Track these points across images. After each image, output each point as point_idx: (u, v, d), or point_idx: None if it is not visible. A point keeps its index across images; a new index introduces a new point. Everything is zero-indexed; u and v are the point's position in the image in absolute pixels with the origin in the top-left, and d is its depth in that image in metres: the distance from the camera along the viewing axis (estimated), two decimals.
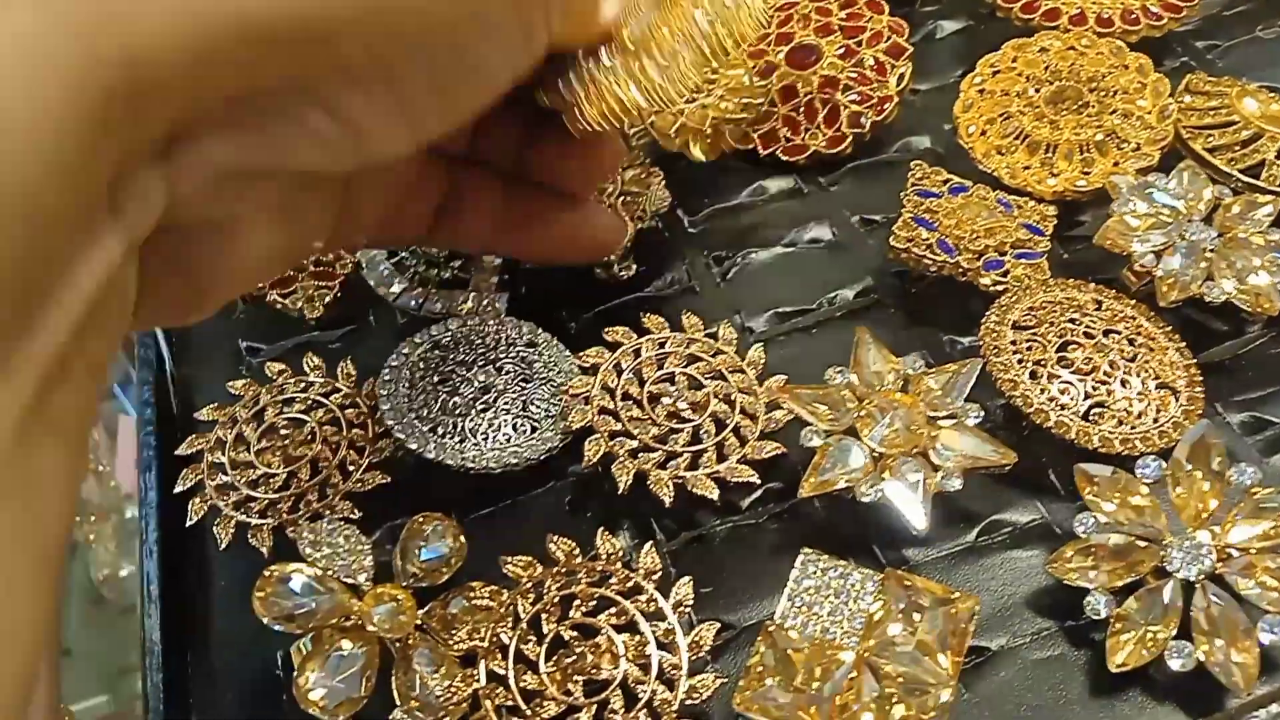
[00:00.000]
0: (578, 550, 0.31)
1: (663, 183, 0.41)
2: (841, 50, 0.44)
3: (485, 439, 0.35)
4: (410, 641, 0.30)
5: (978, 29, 0.49)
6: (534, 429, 0.35)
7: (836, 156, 0.44)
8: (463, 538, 0.32)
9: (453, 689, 0.29)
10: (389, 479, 0.34)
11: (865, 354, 0.34)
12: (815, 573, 0.29)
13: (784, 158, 0.44)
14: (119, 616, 0.56)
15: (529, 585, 0.30)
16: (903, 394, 0.32)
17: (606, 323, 0.39)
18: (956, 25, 0.50)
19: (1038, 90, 0.41)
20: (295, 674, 0.29)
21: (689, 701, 0.28)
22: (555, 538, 0.31)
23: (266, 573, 0.30)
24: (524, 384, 0.36)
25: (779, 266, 0.41)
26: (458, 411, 0.35)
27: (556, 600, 0.30)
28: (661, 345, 0.36)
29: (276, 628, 0.29)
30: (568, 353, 0.37)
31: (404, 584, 0.31)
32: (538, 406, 0.36)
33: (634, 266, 0.41)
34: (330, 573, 0.30)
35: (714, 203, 0.44)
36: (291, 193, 0.25)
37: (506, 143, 0.33)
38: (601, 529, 0.31)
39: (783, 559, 0.32)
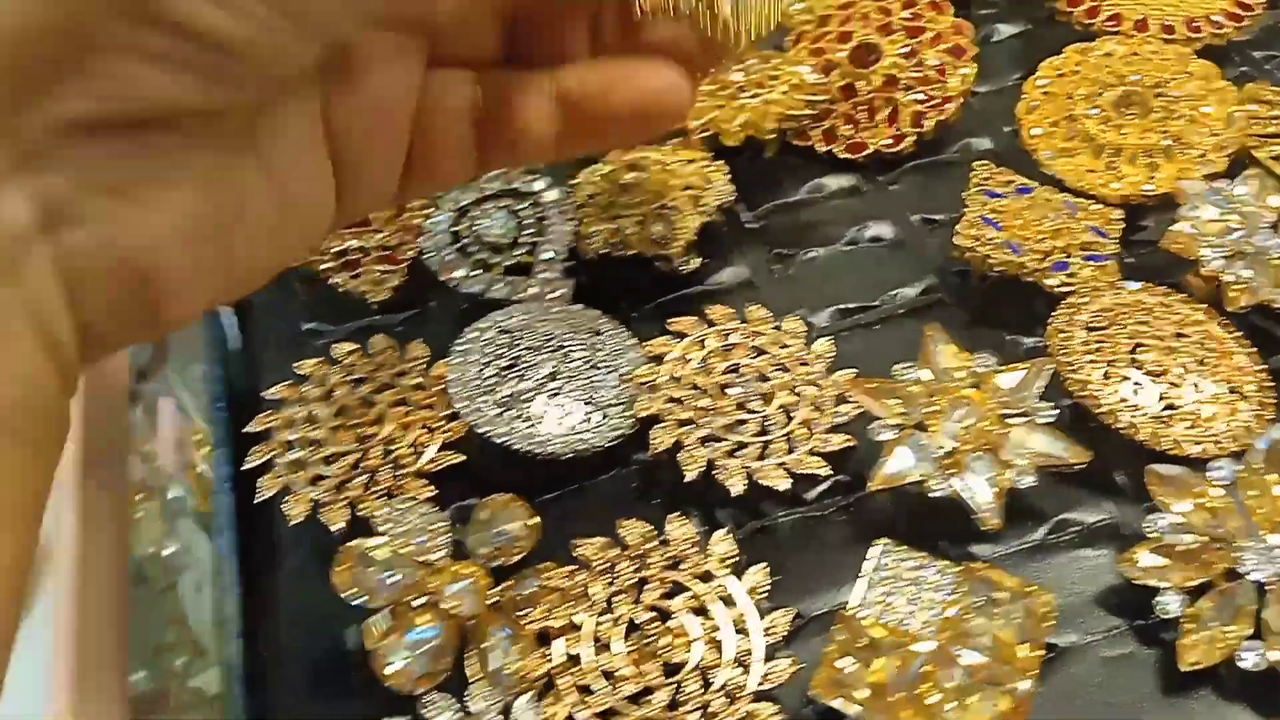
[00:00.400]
0: (651, 534, 0.31)
1: (727, 176, 0.42)
2: (905, 50, 0.44)
3: (553, 424, 0.35)
4: (484, 619, 0.30)
5: (1035, 33, 0.49)
6: (602, 416, 0.35)
7: (896, 155, 0.44)
8: (535, 519, 0.33)
9: (529, 666, 0.29)
10: (462, 458, 0.35)
11: (935, 350, 0.34)
12: (892, 563, 0.29)
13: (843, 155, 0.44)
14: (159, 594, 0.56)
15: (603, 568, 0.31)
16: (973, 390, 0.33)
17: (667, 314, 0.40)
18: (1013, 29, 0.50)
19: (1102, 94, 0.41)
20: (373, 649, 0.29)
21: (763, 686, 0.29)
22: (627, 522, 0.31)
23: (346, 547, 0.30)
24: (591, 370, 0.37)
25: (840, 263, 0.41)
26: (525, 396, 0.36)
27: (632, 583, 0.30)
28: (727, 336, 0.36)
29: (354, 604, 0.30)
30: (632, 341, 0.37)
31: (477, 563, 0.31)
32: (604, 393, 0.36)
33: (695, 259, 0.41)
34: (405, 550, 0.31)
35: (773, 199, 0.44)
36: (207, 151, 0.22)
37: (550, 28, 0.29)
38: (674, 514, 0.32)
39: (849, 551, 0.33)
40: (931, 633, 0.28)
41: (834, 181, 0.44)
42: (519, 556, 0.32)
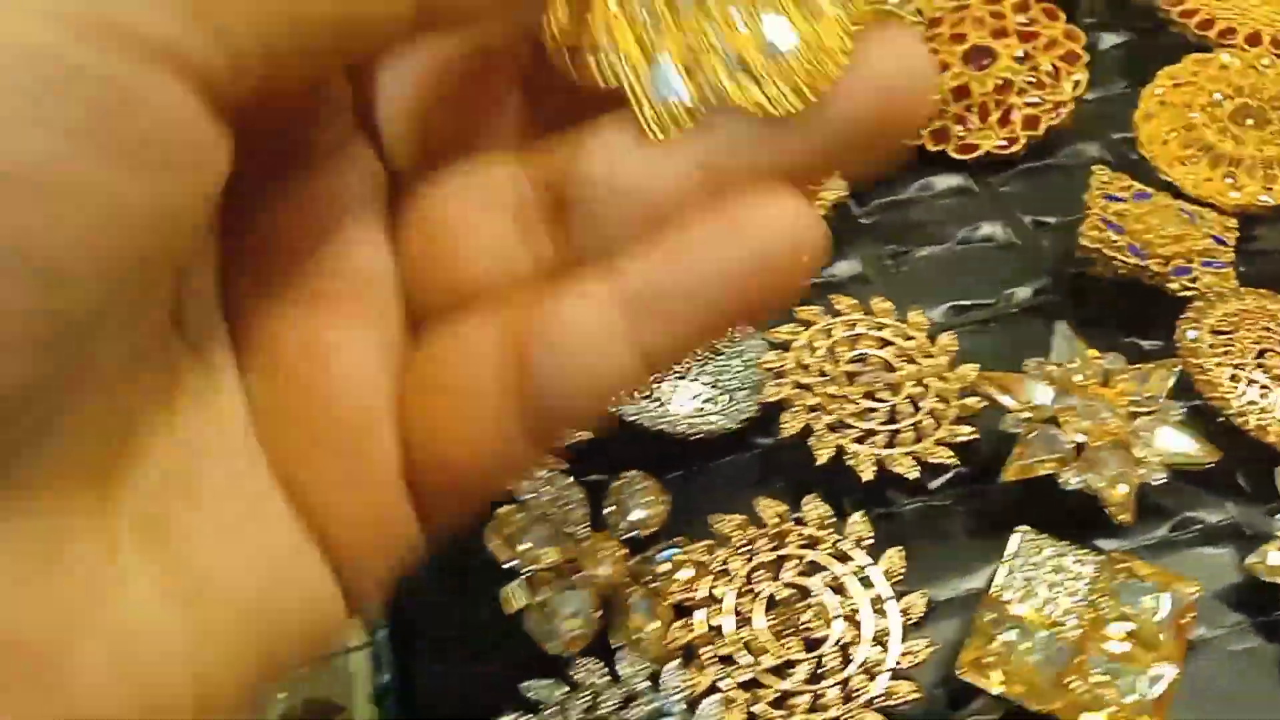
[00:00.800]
0: (787, 513, 0.32)
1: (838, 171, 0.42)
2: (1020, 55, 0.45)
3: (681, 405, 0.36)
4: (625, 590, 0.31)
5: (1140, 42, 0.50)
6: (729, 399, 0.36)
7: (1007, 158, 0.45)
8: (666, 496, 0.33)
9: (671, 635, 0.30)
10: (591, 434, 0.35)
11: (1065, 347, 0.34)
12: (1033, 550, 0.30)
13: (954, 155, 0.45)
14: None
15: (742, 544, 0.31)
16: (1104, 388, 0.33)
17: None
18: (1118, 38, 0.50)
19: (1220, 105, 0.42)
20: (522, 611, 0.30)
21: (900, 665, 0.29)
22: (764, 500, 0.32)
23: (497, 513, 0.31)
24: (716, 355, 0.37)
25: (953, 261, 0.42)
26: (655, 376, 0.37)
27: (770, 559, 0.31)
28: (853, 326, 0.37)
29: (507, 566, 0.31)
30: (752, 328, 0.38)
31: (615, 536, 0.32)
32: (730, 377, 0.37)
33: None
34: (549, 519, 0.32)
35: (883, 195, 0.45)
36: None
37: None
38: (809, 496, 0.32)
39: (974, 541, 0.34)
40: (1074, 620, 0.28)
41: (944, 181, 0.45)
42: (651, 531, 0.33)
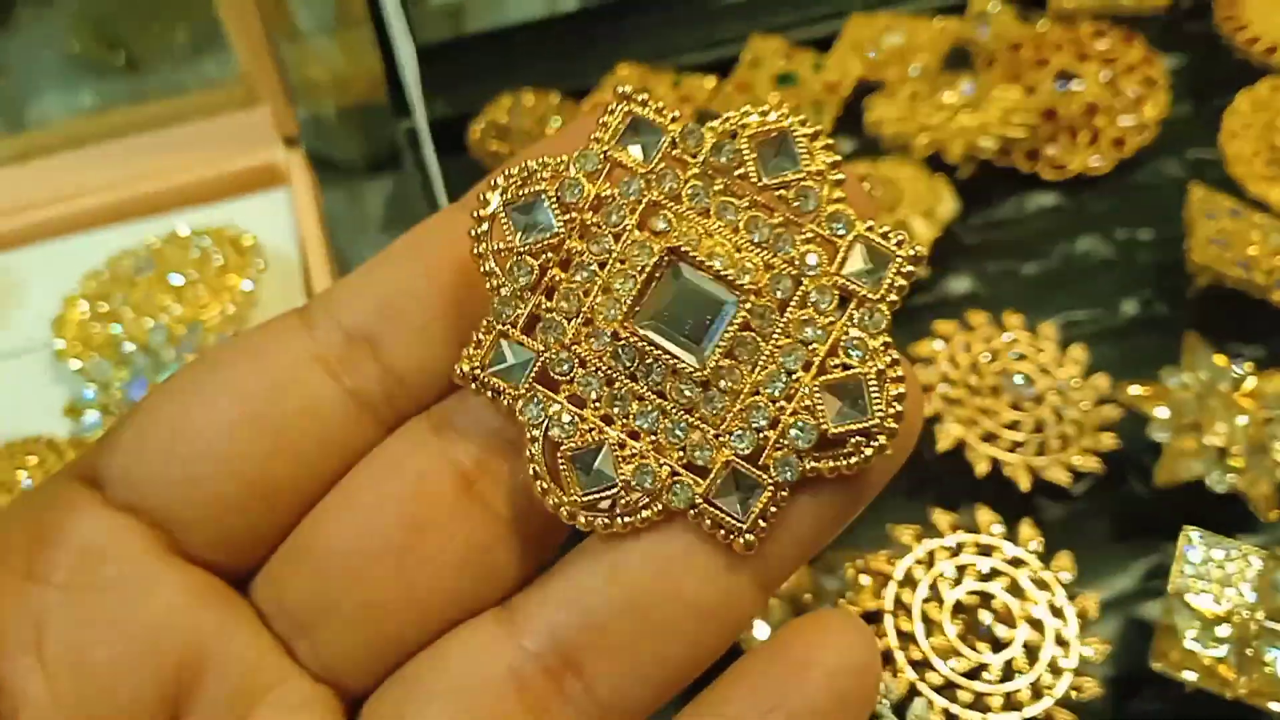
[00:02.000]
0: (958, 522, 0.34)
1: (953, 192, 0.44)
2: (1107, 78, 0.48)
3: None
4: (811, 599, 0.33)
5: (1197, 65, 0.53)
6: None
7: (1095, 177, 0.47)
8: None
9: None
10: None
11: (1197, 355, 0.37)
12: (1204, 549, 0.32)
13: (1045, 176, 0.47)
14: None
15: (922, 555, 0.33)
16: (1240, 394, 0.36)
17: (901, 320, 0.42)
18: (1174, 62, 0.53)
19: None
20: None
21: (1082, 663, 0.31)
22: (937, 510, 0.34)
23: None
24: None
25: (1057, 277, 0.44)
26: None
27: (952, 568, 0.32)
28: (989, 340, 0.39)
29: None
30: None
31: None
32: None
33: (923, 269, 0.44)
34: None
35: (981, 214, 0.47)
36: None
37: None
38: (979, 505, 0.34)
39: (1121, 543, 0.36)
40: (1247, 613, 0.30)
41: (1036, 200, 0.47)
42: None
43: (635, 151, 0.18)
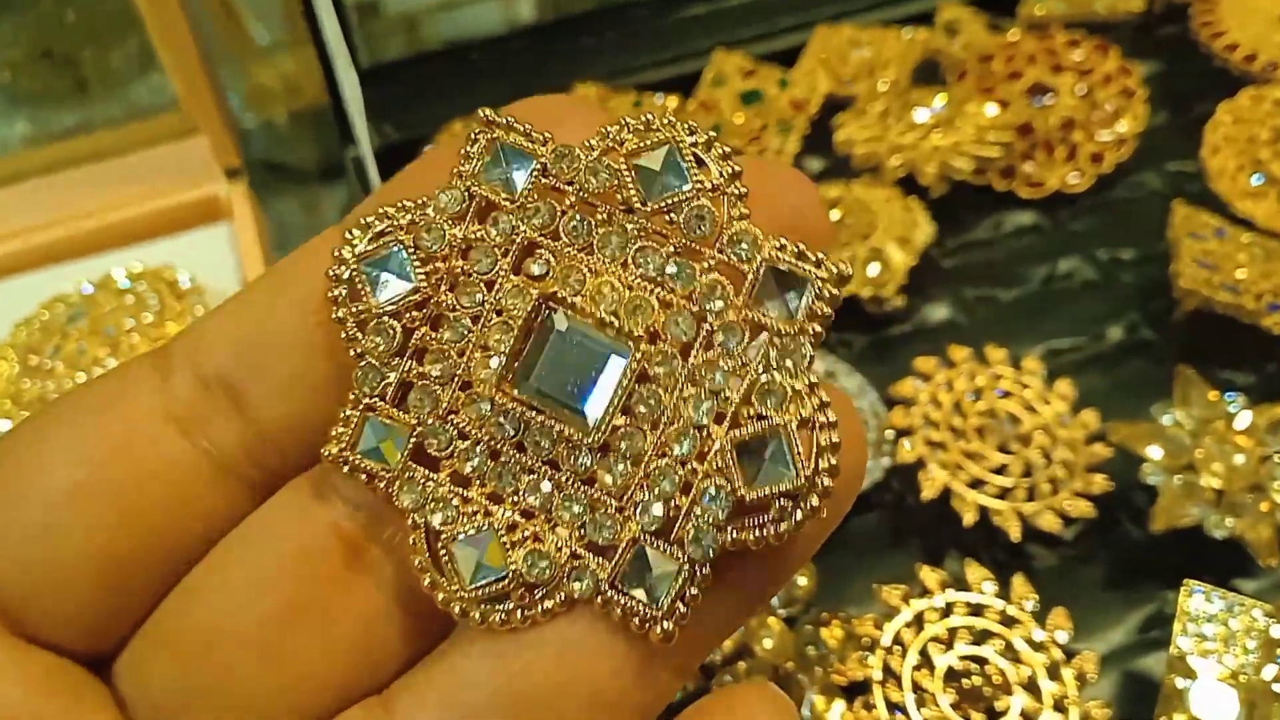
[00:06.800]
0: (948, 579, 0.32)
1: (928, 216, 0.42)
2: (1083, 91, 0.46)
3: None
4: (794, 669, 0.31)
5: (1175, 70, 0.51)
6: None
7: (1072, 194, 0.45)
8: (811, 567, 0.33)
9: (854, 717, 0.29)
10: None
11: (1191, 392, 0.35)
12: (1202, 602, 0.30)
13: (1022, 194, 0.45)
14: None
15: (909, 618, 0.31)
16: (1235, 431, 0.34)
17: (878, 353, 0.41)
18: (1150, 69, 0.51)
19: (1279, 139, 0.43)
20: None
21: None
22: (925, 568, 0.32)
23: None
24: None
25: (1037, 301, 0.43)
26: None
27: (941, 630, 0.31)
28: (973, 378, 0.37)
29: None
30: (862, 379, 0.38)
31: (775, 613, 0.32)
32: None
33: (900, 298, 0.42)
34: None
35: (957, 236, 0.45)
36: None
37: None
38: (968, 559, 0.32)
39: (1115, 591, 0.34)
40: (1251, 672, 0.29)
41: (1014, 219, 0.45)
42: (804, 604, 0.32)
43: (504, 183, 0.15)
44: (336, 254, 0.15)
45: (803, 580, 0.33)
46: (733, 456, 0.14)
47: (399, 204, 0.16)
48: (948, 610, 0.31)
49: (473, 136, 0.16)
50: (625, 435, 0.14)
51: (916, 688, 0.30)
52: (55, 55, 0.54)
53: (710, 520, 0.14)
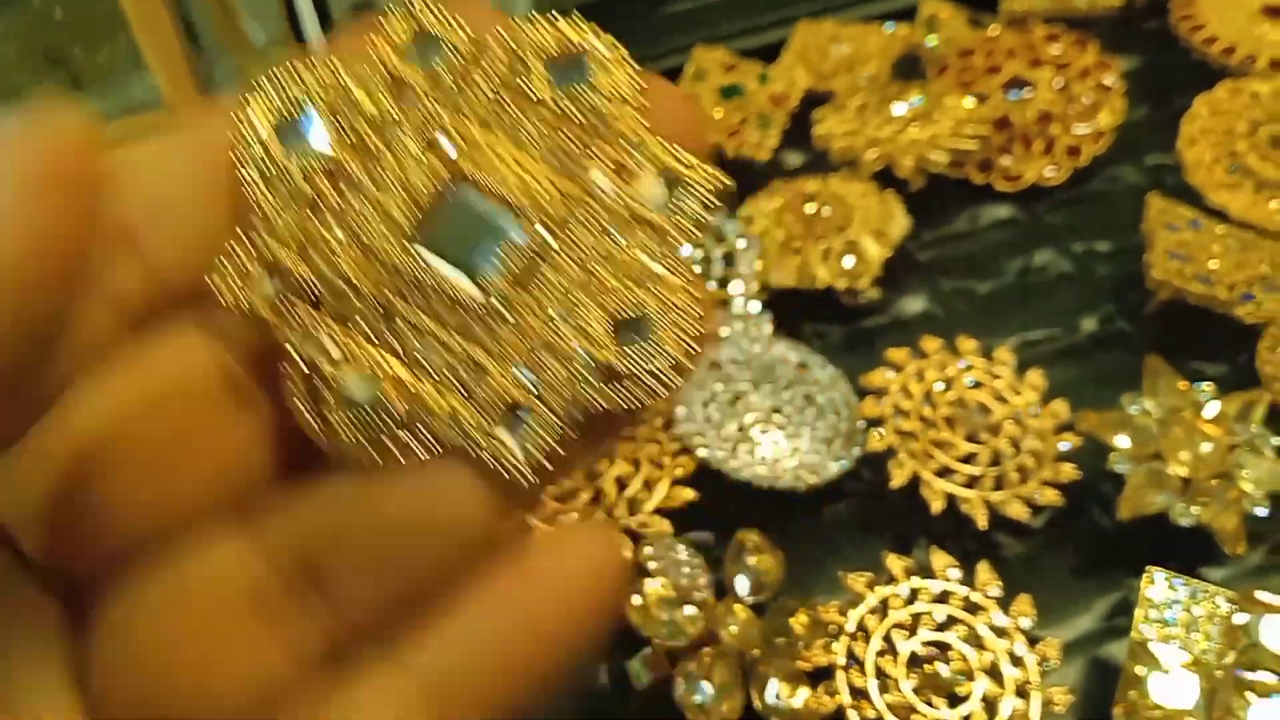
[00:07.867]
0: (913, 566, 0.32)
1: (904, 209, 0.43)
2: (1060, 85, 0.46)
3: (782, 456, 0.36)
4: (762, 655, 0.31)
5: (1154, 64, 0.51)
6: (825, 448, 0.36)
7: (1050, 187, 0.45)
8: (779, 554, 0.33)
9: (818, 703, 0.30)
10: (694, 494, 0.35)
11: (1160, 381, 0.35)
12: (1168, 590, 0.30)
13: (999, 187, 0.45)
14: None
15: (875, 604, 0.31)
16: (1203, 420, 0.34)
17: (853, 344, 0.41)
18: (1130, 63, 0.51)
19: (1257, 131, 0.43)
20: (667, 680, 0.30)
21: (1045, 714, 0.30)
22: (891, 555, 0.32)
23: (646, 588, 0.30)
24: (805, 403, 0.37)
25: (1014, 294, 0.43)
26: (751, 430, 0.36)
27: (906, 616, 0.31)
28: (944, 369, 0.37)
29: (643, 637, 0.30)
30: (835, 370, 0.38)
31: (743, 601, 0.32)
32: (823, 427, 0.37)
33: (875, 290, 0.42)
34: (679, 588, 0.31)
35: (934, 230, 0.45)
36: None
37: None
38: (933, 546, 0.32)
39: (1083, 579, 0.34)
40: (1212, 658, 0.29)
41: (991, 212, 0.46)
42: (772, 592, 0.33)
43: (420, 63, 0.16)
44: (243, 99, 0.16)
45: (770, 570, 0.33)
46: (610, 331, 0.16)
47: (310, 63, 0.16)
48: (912, 597, 0.31)
49: (392, 16, 0.16)
50: (514, 306, 0.16)
51: (880, 673, 0.30)
52: (48, 53, 0.55)
53: (582, 386, 0.15)
